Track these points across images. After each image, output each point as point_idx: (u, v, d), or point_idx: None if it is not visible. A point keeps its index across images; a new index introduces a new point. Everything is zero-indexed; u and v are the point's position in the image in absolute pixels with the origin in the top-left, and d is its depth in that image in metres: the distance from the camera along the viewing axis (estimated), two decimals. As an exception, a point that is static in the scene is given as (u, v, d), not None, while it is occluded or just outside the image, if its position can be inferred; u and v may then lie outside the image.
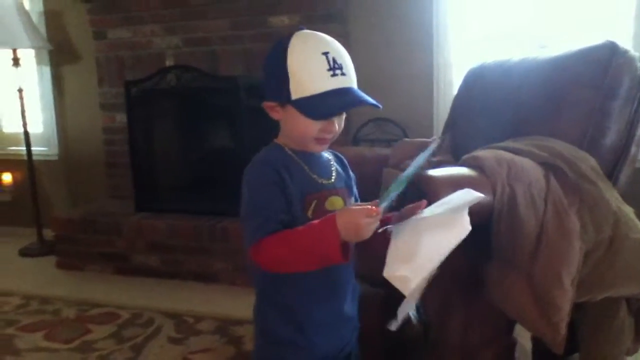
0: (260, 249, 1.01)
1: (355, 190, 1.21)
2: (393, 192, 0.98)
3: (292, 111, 1.05)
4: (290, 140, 1.11)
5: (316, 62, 1.02)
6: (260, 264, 1.03)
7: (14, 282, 2.99)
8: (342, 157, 1.22)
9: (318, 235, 0.97)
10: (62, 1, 3.51)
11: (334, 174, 1.14)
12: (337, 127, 1.08)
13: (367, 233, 0.95)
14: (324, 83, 1.02)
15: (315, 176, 1.10)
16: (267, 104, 1.09)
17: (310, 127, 1.05)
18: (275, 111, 1.09)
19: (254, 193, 1.05)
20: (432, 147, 1.01)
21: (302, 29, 1.08)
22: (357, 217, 0.94)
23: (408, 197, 1.04)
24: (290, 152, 1.10)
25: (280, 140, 1.13)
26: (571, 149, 1.43)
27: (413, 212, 1.02)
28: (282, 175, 1.04)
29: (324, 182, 1.11)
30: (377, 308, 1.56)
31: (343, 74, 1.03)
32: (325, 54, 1.03)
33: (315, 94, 1.02)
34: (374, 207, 0.95)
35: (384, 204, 0.97)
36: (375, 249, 1.08)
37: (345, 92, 1.03)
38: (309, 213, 1.06)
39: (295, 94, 1.03)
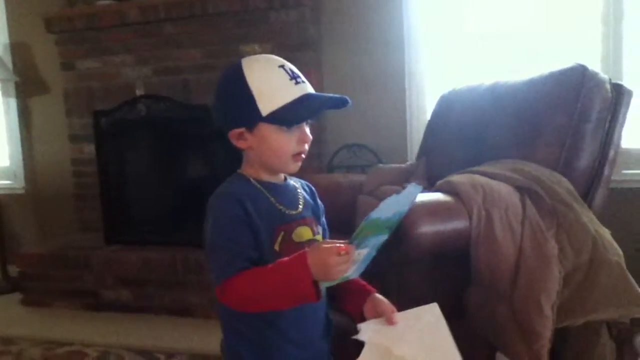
0: (228, 288, 0.96)
1: (323, 220, 1.18)
2: (371, 238, 0.94)
3: (265, 131, 1.02)
4: (260, 168, 1.08)
5: (278, 75, 1.02)
6: (227, 303, 0.99)
7: (-24, 322, 2.86)
8: (312, 186, 1.19)
9: (290, 274, 0.93)
10: (28, 33, 3.45)
11: (301, 202, 1.11)
12: (309, 135, 1.06)
13: (337, 273, 0.92)
14: (292, 91, 1.02)
15: (281, 207, 1.07)
16: (234, 133, 1.05)
17: (286, 141, 1.03)
18: (242, 139, 1.05)
19: (219, 228, 1.01)
20: (416, 192, 0.98)
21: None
22: (326, 255, 0.91)
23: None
24: (255, 183, 1.07)
25: (245, 170, 1.09)
26: (546, 172, 1.43)
27: (388, 319, 1.04)
28: (248, 208, 1.00)
29: (292, 212, 1.08)
30: (353, 342, 1.52)
31: (303, 81, 1.04)
32: (282, 66, 1.04)
33: (287, 103, 1.01)
34: (343, 246, 0.91)
35: (357, 245, 0.93)
36: (343, 304, 1.12)
37: (313, 96, 1.04)
38: (276, 246, 1.03)
39: (265, 110, 1.01)
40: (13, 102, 3.59)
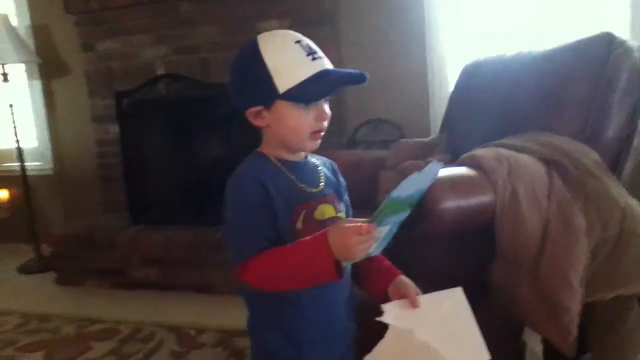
0: (247, 268, 0.97)
1: (346, 197, 1.17)
2: (392, 216, 0.93)
3: (282, 108, 1.01)
4: (279, 146, 1.07)
5: (294, 51, 1.00)
6: (247, 283, 0.99)
7: (13, 300, 2.95)
8: (333, 163, 1.18)
9: (310, 253, 0.93)
10: (49, 15, 3.47)
11: (322, 180, 1.10)
12: (328, 112, 1.04)
13: (358, 252, 0.91)
14: (309, 68, 0.99)
15: (303, 185, 1.06)
16: (251, 111, 1.04)
17: (304, 118, 1.02)
18: (260, 117, 1.04)
19: (238, 209, 1.01)
20: (437, 170, 0.96)
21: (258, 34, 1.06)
22: (347, 235, 0.90)
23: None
24: (275, 162, 1.06)
25: (264, 149, 1.08)
26: (572, 143, 1.40)
27: (412, 301, 1.03)
28: (267, 188, 1.00)
29: (313, 190, 1.07)
30: (377, 323, 1.52)
31: (320, 57, 1.02)
32: (298, 42, 1.01)
33: (304, 79, 0.99)
34: (364, 225, 0.90)
35: (378, 223, 0.92)
36: (366, 285, 1.13)
37: (331, 72, 1.02)
38: (298, 224, 1.02)
39: (283, 87, 0.99)
40: (37, 84, 3.64)
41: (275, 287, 1.00)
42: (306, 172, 1.09)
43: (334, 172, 1.17)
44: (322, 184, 1.10)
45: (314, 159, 1.14)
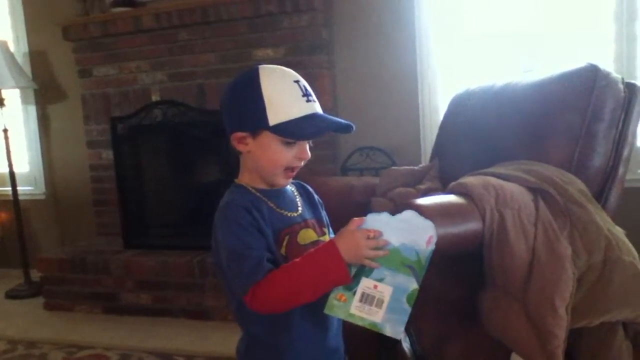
0: (260, 291, 0.98)
1: (325, 215, 1.20)
2: (384, 269, 0.99)
3: (267, 139, 1.04)
4: (256, 176, 1.09)
5: (291, 89, 1.04)
6: (259, 307, 0.99)
7: (0, 326, 2.92)
8: (306, 186, 1.21)
9: (324, 262, 0.98)
10: (46, 41, 3.52)
11: (299, 205, 1.14)
12: (309, 153, 1.08)
13: (367, 252, 0.97)
14: (302, 108, 1.03)
15: (283, 211, 1.09)
16: (237, 135, 1.07)
17: (284, 154, 1.05)
18: (244, 143, 1.07)
19: (234, 237, 1.02)
20: (429, 229, 1.03)
21: (260, 64, 1.09)
22: (358, 236, 0.98)
23: None
24: (254, 192, 1.08)
25: (242, 180, 1.11)
26: (559, 172, 1.43)
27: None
28: (254, 214, 1.03)
29: (293, 215, 1.10)
30: (370, 341, 1.53)
31: (314, 100, 1.06)
32: (297, 82, 1.05)
33: (294, 118, 1.02)
34: (372, 230, 0.98)
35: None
36: None
37: (321, 116, 1.06)
38: (282, 250, 1.05)
39: (273, 120, 1.02)
40: (32, 109, 3.66)
41: (289, 304, 1.01)
42: (284, 198, 1.12)
43: (308, 195, 1.20)
44: (300, 209, 1.13)
45: (289, 185, 1.16)
